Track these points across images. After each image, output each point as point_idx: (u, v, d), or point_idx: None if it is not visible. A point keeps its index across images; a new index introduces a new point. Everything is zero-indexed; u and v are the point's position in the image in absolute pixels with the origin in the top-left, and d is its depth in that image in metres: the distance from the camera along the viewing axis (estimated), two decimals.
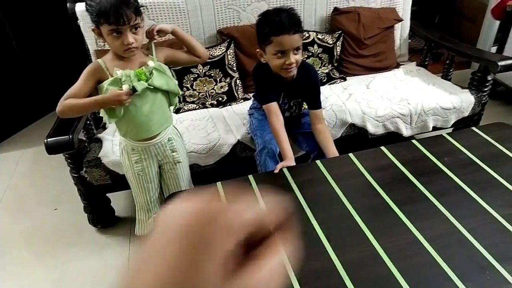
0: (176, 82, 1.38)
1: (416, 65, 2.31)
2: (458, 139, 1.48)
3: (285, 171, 1.38)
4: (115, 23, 1.17)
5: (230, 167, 1.69)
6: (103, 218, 1.83)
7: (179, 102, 2.00)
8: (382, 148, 1.46)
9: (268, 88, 1.54)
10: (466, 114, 1.90)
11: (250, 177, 1.36)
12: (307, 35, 2.12)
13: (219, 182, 1.35)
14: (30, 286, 1.62)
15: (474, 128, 1.54)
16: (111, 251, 1.74)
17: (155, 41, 1.35)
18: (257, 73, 1.59)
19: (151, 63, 1.28)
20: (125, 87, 1.21)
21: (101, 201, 1.78)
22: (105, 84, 1.23)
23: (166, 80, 1.31)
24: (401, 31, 2.33)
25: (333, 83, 2.15)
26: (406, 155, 1.41)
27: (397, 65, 2.32)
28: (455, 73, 2.31)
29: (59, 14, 2.11)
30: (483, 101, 1.91)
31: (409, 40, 2.45)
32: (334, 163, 1.43)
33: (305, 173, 1.39)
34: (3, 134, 2.65)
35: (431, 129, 1.88)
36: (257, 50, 1.49)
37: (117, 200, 1.91)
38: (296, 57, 1.40)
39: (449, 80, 2.13)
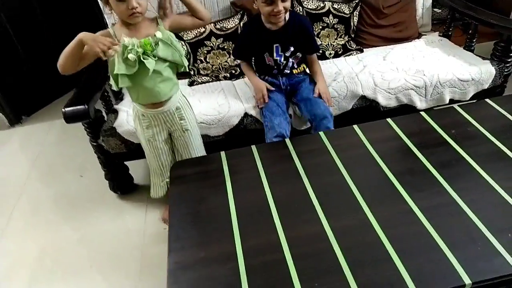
0: (183, 52, 1.41)
1: (439, 36, 2.21)
2: (469, 111, 1.43)
3: (288, 141, 1.41)
4: None
5: (239, 139, 1.73)
6: (122, 185, 1.94)
7: (192, 75, 2.04)
8: (388, 120, 1.45)
9: (245, 45, 1.74)
10: (486, 86, 1.82)
11: (253, 147, 1.40)
12: (322, 5, 2.08)
13: (223, 151, 1.40)
14: (55, 244, 1.76)
15: (487, 100, 1.48)
16: (129, 216, 1.85)
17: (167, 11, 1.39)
18: (244, 26, 1.84)
19: (158, 34, 1.33)
20: (131, 57, 1.26)
21: (119, 169, 1.89)
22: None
23: (171, 51, 1.36)
24: None
25: (348, 55, 2.11)
26: (412, 127, 1.40)
27: (419, 36, 2.23)
28: (486, 45, 2.19)
29: None
30: (505, 73, 1.82)
31: (439, 10, 2.33)
32: (337, 134, 1.44)
33: (307, 143, 1.40)
34: (35, 106, 2.82)
35: (447, 101, 1.82)
36: None
37: (135, 169, 2.02)
38: (284, 5, 1.52)
39: (472, 51, 2.03)
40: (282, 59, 1.71)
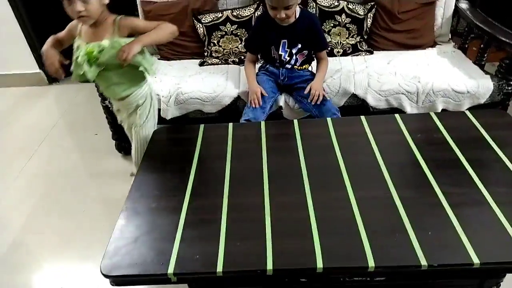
0: (141, 58, 1.38)
1: (454, 47, 2.20)
2: (443, 119, 1.46)
3: (262, 124, 1.52)
4: None
5: (231, 118, 1.85)
6: (125, 146, 2.14)
7: (204, 56, 2.19)
8: (362, 117, 1.51)
9: (256, 38, 1.82)
10: (482, 101, 1.81)
11: (230, 124, 1.53)
12: (336, 3, 2.14)
13: (202, 124, 1.54)
14: (59, 188, 2.03)
15: (466, 111, 1.50)
16: (124, 171, 2.05)
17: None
18: (257, 20, 1.90)
19: (105, 42, 1.31)
20: (79, 60, 1.32)
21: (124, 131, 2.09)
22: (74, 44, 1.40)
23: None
24: (445, 9, 2.21)
25: (356, 55, 2.16)
26: (380, 127, 1.45)
27: (434, 45, 2.23)
28: None
29: None
30: (505, 90, 1.80)
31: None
32: (309, 124, 1.53)
33: (279, 128, 1.51)
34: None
35: (439, 111, 1.83)
36: None
37: None
38: (286, 12, 1.62)
39: (482, 65, 2.00)
40: (287, 55, 1.80)
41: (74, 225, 1.79)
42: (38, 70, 2.98)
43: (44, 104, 2.81)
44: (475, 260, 0.96)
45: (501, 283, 1.25)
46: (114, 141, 2.16)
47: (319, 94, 1.73)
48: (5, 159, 2.25)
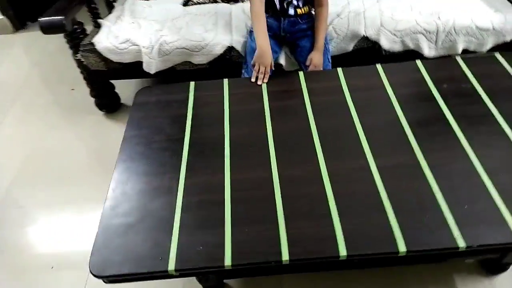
0: None
1: None
2: (471, 64, 1.27)
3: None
4: None
5: (224, 70, 1.62)
6: (107, 103, 1.92)
7: None
8: (378, 66, 1.31)
9: None
10: (508, 38, 1.59)
11: (225, 80, 1.32)
12: None
13: (193, 82, 1.32)
14: (40, 153, 1.83)
15: (497, 54, 1.30)
16: (111, 132, 1.86)
17: None
18: None
19: None
20: None
21: (104, 87, 1.86)
22: None
23: None
24: None
25: None
26: (401, 77, 1.26)
27: None
28: None
29: None
30: None
31: None
32: (316, 77, 1.32)
33: (283, 83, 1.30)
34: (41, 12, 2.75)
35: (460, 52, 1.62)
36: None
37: (123, 89, 1.99)
38: None
39: None
40: None
41: (59, 193, 1.64)
42: (0, 16, 2.62)
43: (11, 55, 2.50)
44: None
45: None
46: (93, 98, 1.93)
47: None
48: None
